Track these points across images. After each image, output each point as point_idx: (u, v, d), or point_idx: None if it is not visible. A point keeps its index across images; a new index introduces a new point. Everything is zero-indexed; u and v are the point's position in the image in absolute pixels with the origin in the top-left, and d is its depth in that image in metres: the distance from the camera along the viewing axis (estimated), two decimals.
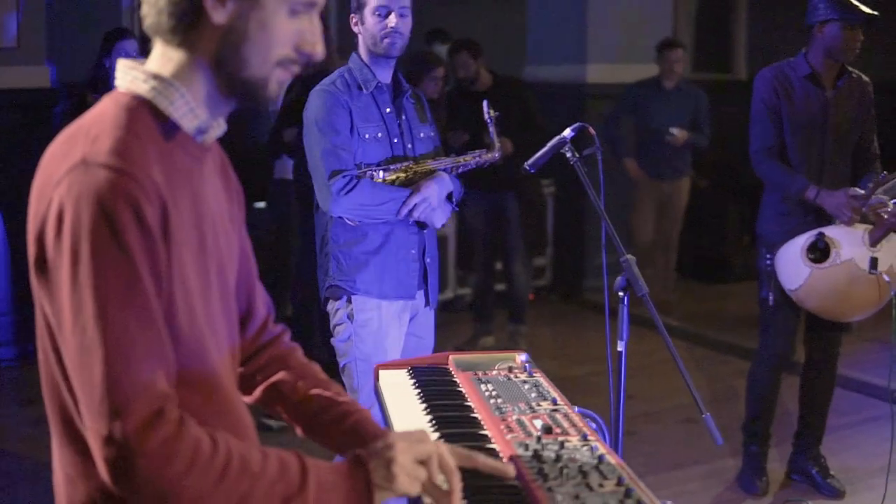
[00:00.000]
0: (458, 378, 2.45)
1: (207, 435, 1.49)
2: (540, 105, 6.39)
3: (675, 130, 7.00)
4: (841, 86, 4.32)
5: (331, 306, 3.54)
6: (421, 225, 3.55)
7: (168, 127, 1.54)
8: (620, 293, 3.29)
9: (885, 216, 4.05)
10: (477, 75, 6.34)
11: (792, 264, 4.21)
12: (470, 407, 2.26)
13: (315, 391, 1.88)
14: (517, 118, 6.20)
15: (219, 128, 1.63)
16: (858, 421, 5.44)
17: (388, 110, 3.51)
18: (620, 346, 3.30)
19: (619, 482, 1.79)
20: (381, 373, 2.55)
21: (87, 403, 1.43)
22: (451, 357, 2.59)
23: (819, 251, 4.15)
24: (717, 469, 4.75)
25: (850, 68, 4.36)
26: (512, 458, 1.91)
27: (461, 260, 7.55)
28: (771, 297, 4.38)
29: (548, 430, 2.05)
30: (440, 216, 3.53)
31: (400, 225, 3.50)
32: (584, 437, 2.01)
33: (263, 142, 6.21)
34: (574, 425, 2.09)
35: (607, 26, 7.74)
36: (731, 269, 8.34)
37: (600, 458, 1.90)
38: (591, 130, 3.42)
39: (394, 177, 3.46)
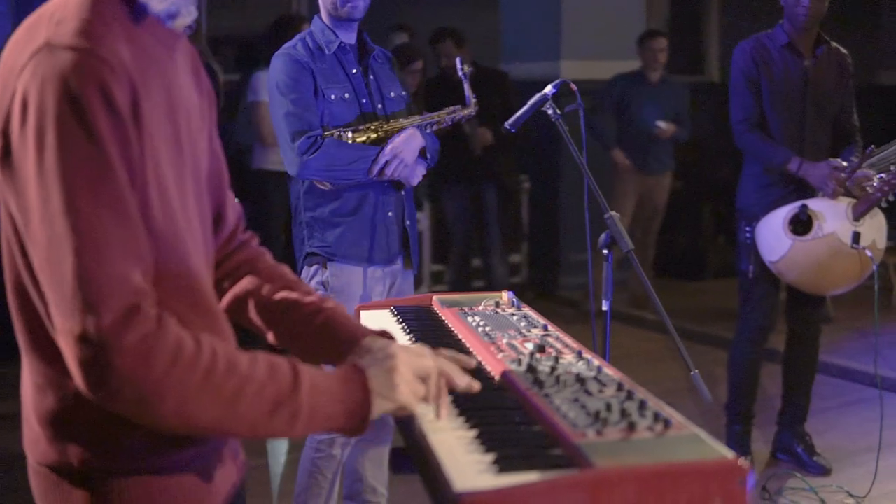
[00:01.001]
0: (444, 314, 2.36)
1: (189, 334, 1.38)
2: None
3: (662, 124, 6.96)
4: (819, 55, 4.28)
5: (305, 273, 3.43)
6: (398, 185, 3.44)
7: (136, 10, 1.45)
8: (605, 251, 3.22)
9: (870, 190, 4.00)
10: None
11: (773, 236, 4.15)
12: (457, 335, 2.17)
13: (283, 293, 1.77)
14: (498, 110, 6.15)
15: (189, 15, 1.53)
16: (842, 404, 5.40)
17: (354, 71, 3.41)
18: (605, 306, 3.24)
19: (619, 388, 1.70)
20: (363, 313, 2.45)
21: (57, 301, 1.32)
22: (434, 297, 2.49)
23: (801, 223, 4.10)
24: None
25: (828, 38, 4.33)
26: (504, 374, 1.81)
27: (437, 255, 7.46)
28: (751, 270, 4.32)
29: (541, 348, 1.95)
30: (415, 173, 3.42)
31: (375, 186, 3.39)
32: (580, 354, 1.91)
33: (241, 140, 6.15)
34: (567, 346, 1.99)
35: (581, 24, 7.71)
36: (706, 267, 8.32)
37: (598, 369, 1.81)
38: (573, 86, 3.35)
39: (364, 136, 3.35)
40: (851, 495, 4.14)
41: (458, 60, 3.69)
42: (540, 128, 7.15)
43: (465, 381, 1.66)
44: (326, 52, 3.36)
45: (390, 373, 1.54)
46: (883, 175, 3.96)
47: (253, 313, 1.76)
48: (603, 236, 3.21)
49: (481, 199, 6.60)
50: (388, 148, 3.31)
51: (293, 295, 1.77)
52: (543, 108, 3.30)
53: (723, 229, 8.53)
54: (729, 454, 1.42)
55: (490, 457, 1.49)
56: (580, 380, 1.73)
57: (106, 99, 1.32)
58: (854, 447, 4.68)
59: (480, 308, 2.36)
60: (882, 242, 4.11)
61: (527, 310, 2.32)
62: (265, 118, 5.87)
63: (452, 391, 1.67)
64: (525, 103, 3.26)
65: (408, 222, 3.50)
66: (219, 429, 1.41)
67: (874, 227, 4.09)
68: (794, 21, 4.20)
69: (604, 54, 7.59)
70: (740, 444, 4.49)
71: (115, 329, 1.30)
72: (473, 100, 3.63)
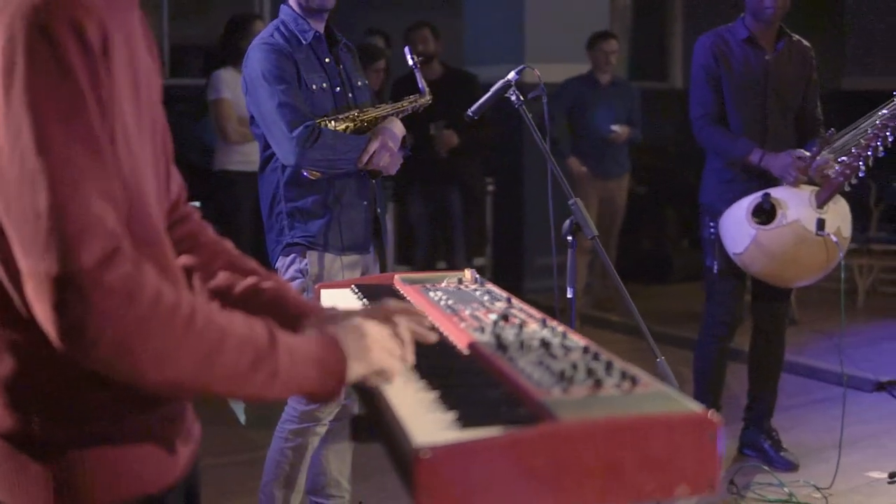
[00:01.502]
0: (405, 291, 2.30)
1: (166, 283, 1.31)
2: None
3: (616, 127, 6.91)
4: (781, 48, 4.27)
5: (281, 262, 3.37)
6: (372, 175, 3.41)
7: None
8: (569, 237, 3.18)
9: (832, 175, 3.99)
10: (435, 55, 6.29)
11: (737, 227, 4.13)
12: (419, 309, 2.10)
13: (228, 268, 1.71)
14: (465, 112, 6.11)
15: None
16: (809, 402, 5.40)
17: (327, 60, 3.38)
18: (570, 293, 3.21)
19: (586, 350, 1.65)
20: (324, 292, 2.40)
21: (28, 243, 1.23)
22: (396, 276, 2.44)
23: (765, 213, 4.07)
24: None
25: (790, 32, 4.32)
26: (467, 342, 1.76)
27: (402, 257, 7.40)
28: (715, 266, 4.29)
29: (504, 318, 1.90)
30: (395, 163, 3.40)
31: (353, 176, 3.37)
32: (544, 322, 1.86)
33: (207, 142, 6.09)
34: (531, 316, 1.95)
35: (544, 28, 7.70)
36: (671, 271, 8.32)
37: (563, 335, 1.76)
38: (537, 72, 3.33)
39: (343, 126, 3.32)
40: (818, 489, 4.11)
41: (407, 50, 3.66)
42: (506, 132, 7.15)
43: (428, 333, 1.65)
44: (302, 41, 3.32)
45: (361, 336, 1.50)
46: (844, 158, 3.94)
47: (198, 288, 1.70)
48: (567, 222, 3.18)
49: (446, 202, 6.56)
50: (378, 138, 3.28)
51: (239, 270, 1.72)
52: (506, 95, 3.28)
53: (687, 233, 8.54)
54: (698, 408, 1.37)
55: (452, 415, 1.44)
56: (545, 344, 1.69)
57: (77, 33, 1.26)
58: (820, 444, 4.67)
59: (443, 285, 2.31)
60: (847, 230, 4.09)
61: (490, 286, 2.27)
62: (226, 116, 5.81)
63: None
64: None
65: (378, 210, 3.48)
66: (197, 383, 1.33)
67: (838, 215, 4.08)
68: (758, 15, 4.19)
69: (567, 58, 7.57)
70: None
71: (96, 269, 1.22)
72: (427, 88, 3.60)
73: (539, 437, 1.30)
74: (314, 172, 3.28)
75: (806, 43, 4.36)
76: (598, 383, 1.46)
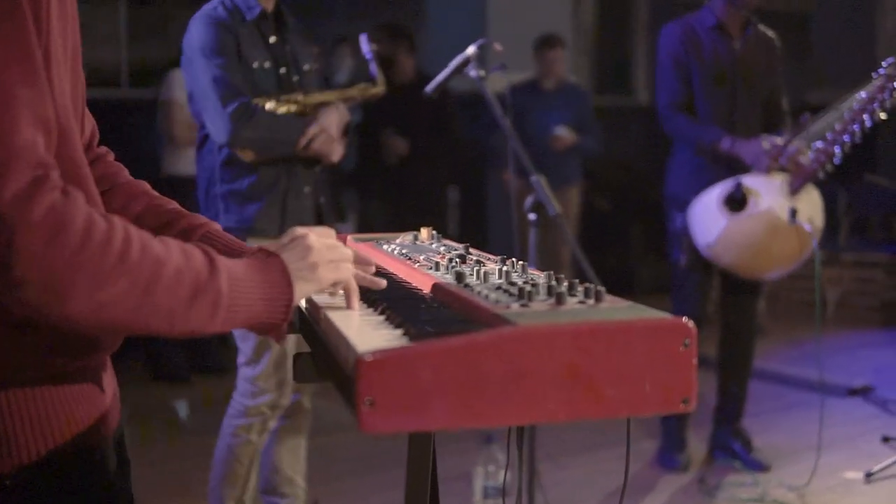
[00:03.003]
0: (357, 247, 2.16)
1: (97, 211, 1.18)
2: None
3: (559, 130, 6.44)
4: (748, 35, 4.20)
5: None
6: (314, 161, 3.27)
7: None
8: (531, 215, 3.07)
9: (806, 162, 3.89)
10: (406, 63, 6.17)
11: (707, 216, 4.02)
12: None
13: (152, 209, 1.58)
14: (430, 119, 6.01)
15: None
16: (780, 406, 5.30)
17: (272, 40, 3.25)
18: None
19: (548, 277, 1.52)
20: None
21: None
22: (349, 237, 2.30)
23: (736, 201, 3.97)
24: (634, 451, 4.50)
25: (756, 20, 4.25)
26: (425, 282, 1.62)
27: None
28: (683, 259, 4.18)
29: (461, 258, 1.77)
30: (338, 149, 3.26)
31: (294, 161, 3.24)
32: (503, 260, 1.73)
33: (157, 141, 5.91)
34: (490, 259, 1.81)
35: (507, 40, 7.61)
36: (637, 284, 8.23)
37: (524, 268, 1.63)
38: (497, 46, 3.22)
39: (285, 108, 3.19)
40: (793, 488, 3.99)
41: (362, 38, 3.52)
42: (468, 143, 7.04)
43: (370, 268, 1.56)
44: (247, 17, 3.19)
45: (306, 252, 1.38)
46: (819, 143, 3.85)
47: None
48: (529, 199, 3.07)
49: (408, 210, 6.45)
50: (318, 122, 3.16)
51: (162, 212, 1.60)
52: (465, 71, 3.17)
53: (653, 247, 8.46)
54: (670, 316, 1.24)
55: (400, 331, 1.30)
56: (504, 274, 1.56)
57: None
58: (793, 447, 4.55)
59: (398, 241, 2.17)
60: (819, 220, 3.99)
61: (448, 241, 2.14)
62: (173, 118, 5.64)
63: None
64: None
65: (322, 199, 3.34)
66: (134, 321, 1.19)
67: (811, 203, 3.99)
68: (733, 1, 4.10)
69: (529, 69, 7.49)
70: (675, 437, 4.33)
71: (20, 200, 1.09)
72: (381, 78, 3.46)
73: (495, 339, 1.17)
74: (247, 153, 3.14)
75: (770, 32, 4.29)
76: (559, 298, 1.33)
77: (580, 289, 1.42)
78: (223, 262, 1.28)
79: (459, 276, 1.53)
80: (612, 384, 1.20)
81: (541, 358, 1.18)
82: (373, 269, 1.58)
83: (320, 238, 1.42)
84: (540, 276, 1.55)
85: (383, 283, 1.54)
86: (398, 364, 1.14)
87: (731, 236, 3.95)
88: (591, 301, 1.34)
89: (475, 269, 1.59)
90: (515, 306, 1.31)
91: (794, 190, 3.90)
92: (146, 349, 5.87)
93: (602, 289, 1.36)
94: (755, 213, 3.90)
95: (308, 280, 1.37)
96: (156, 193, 1.63)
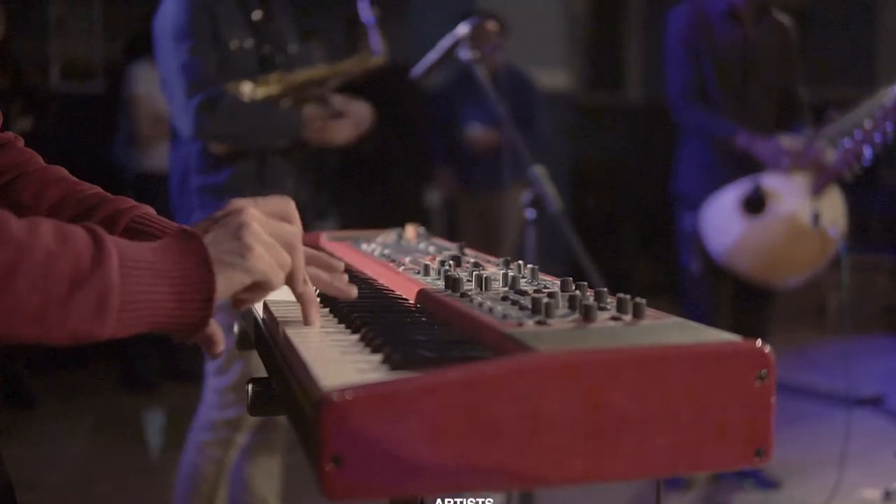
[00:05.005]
0: (332, 247, 1.85)
1: None
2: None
3: (474, 128, 5.63)
4: (762, 23, 3.89)
5: None
6: (297, 153, 2.98)
7: None
8: (529, 212, 2.76)
9: (831, 162, 3.59)
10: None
11: (723, 218, 3.70)
12: (349, 263, 1.65)
13: (65, 201, 1.30)
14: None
15: None
16: (790, 418, 4.99)
17: (256, 15, 2.92)
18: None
19: (565, 286, 1.21)
20: None
21: None
22: (322, 235, 1.98)
23: (754, 203, 3.66)
24: None
25: (771, 7, 3.94)
26: (410, 289, 1.31)
27: None
28: (694, 264, 3.86)
29: (456, 260, 1.46)
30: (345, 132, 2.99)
31: (276, 153, 2.94)
32: (507, 262, 1.42)
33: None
34: (490, 261, 1.50)
35: None
36: (631, 284, 7.94)
37: (533, 271, 1.32)
38: (491, 25, 2.91)
39: (265, 91, 2.87)
40: None
41: (361, 4, 3.16)
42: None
43: (340, 274, 1.19)
44: None
45: (238, 230, 1.04)
46: (847, 142, 3.54)
47: None
48: (525, 194, 2.77)
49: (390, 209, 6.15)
50: (349, 112, 2.98)
51: (84, 196, 1.31)
52: (455, 53, 2.86)
53: (647, 250, 8.19)
54: (737, 338, 0.93)
55: (379, 357, 0.98)
56: (510, 279, 1.24)
57: None
58: (803, 462, 4.26)
59: (379, 239, 1.86)
60: (843, 223, 3.69)
61: (438, 240, 1.83)
62: (138, 115, 5.34)
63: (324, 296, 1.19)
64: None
65: (302, 193, 3.02)
66: None
67: (833, 205, 3.69)
68: None
69: (520, 63, 7.21)
70: None
71: None
72: (383, 47, 3.11)
73: (508, 372, 0.85)
74: (218, 146, 2.83)
75: (786, 19, 3.98)
76: (587, 313, 1.02)
77: (610, 300, 1.11)
78: (118, 246, 0.97)
79: (454, 283, 1.22)
80: (663, 432, 0.89)
81: (568, 397, 0.86)
82: (342, 274, 1.25)
83: (264, 213, 1.08)
84: (555, 283, 1.24)
85: (354, 291, 1.22)
86: (376, 406, 0.83)
87: (748, 241, 3.63)
88: (628, 317, 1.03)
89: (473, 273, 1.28)
90: (530, 324, 1.00)
91: (817, 191, 3.59)
92: (115, 355, 5.54)
93: (642, 301, 1.04)
94: (776, 216, 3.59)
95: (235, 267, 1.02)
96: (75, 179, 1.34)
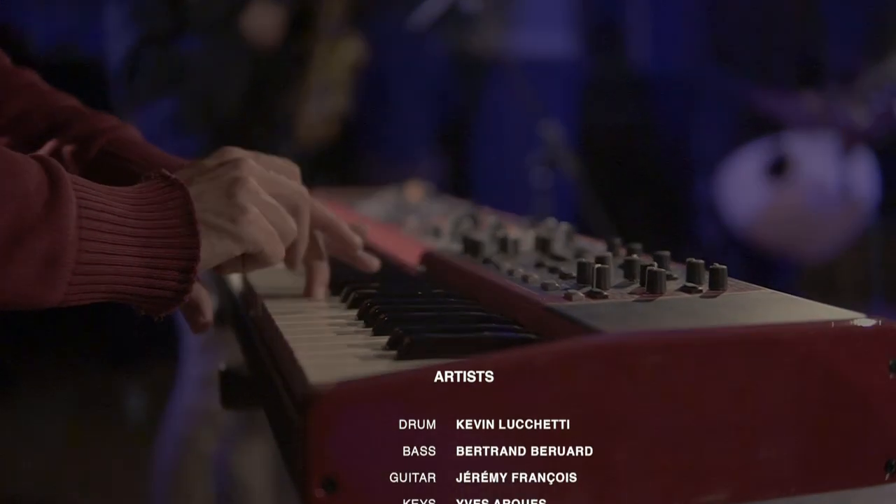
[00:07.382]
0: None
1: None
2: None
3: None
4: None
5: None
6: None
7: None
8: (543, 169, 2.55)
9: (860, 123, 3.37)
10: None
11: (743, 186, 3.47)
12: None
13: (36, 108, 1.03)
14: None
15: None
16: None
17: None
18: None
19: (611, 247, 0.98)
20: None
21: None
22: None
23: (778, 169, 3.43)
24: None
25: None
26: (420, 254, 1.07)
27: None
28: (712, 236, 3.65)
29: (473, 220, 1.22)
30: None
31: None
32: (534, 222, 1.19)
33: None
34: (518, 221, 1.27)
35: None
36: None
37: (569, 233, 1.08)
38: None
39: None
40: None
41: None
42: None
43: (353, 237, 0.94)
44: None
45: (232, 185, 0.80)
46: (878, 97, 3.32)
47: None
48: (537, 154, 2.55)
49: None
50: None
51: (55, 109, 1.03)
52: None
53: (652, 223, 7.99)
54: (863, 316, 0.69)
55: (383, 340, 0.75)
56: (543, 243, 1.01)
57: None
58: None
59: (375, 197, 1.63)
60: (870, 187, 3.47)
61: (450, 199, 1.60)
62: None
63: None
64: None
65: None
66: None
67: (861, 170, 3.47)
68: None
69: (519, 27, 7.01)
70: None
71: None
72: None
73: (560, 360, 0.62)
74: None
75: None
76: (653, 282, 0.78)
77: (673, 267, 0.87)
78: (80, 189, 0.73)
79: (474, 247, 0.99)
80: (767, 441, 0.66)
81: (644, 394, 0.63)
82: (360, 242, 0.98)
83: (263, 168, 0.84)
84: (598, 245, 1.01)
85: (376, 263, 0.98)
86: (382, 407, 0.59)
87: (772, 210, 3.41)
88: (704, 287, 0.79)
89: (495, 234, 1.04)
90: (580, 296, 0.76)
91: (845, 154, 3.37)
92: (102, 331, 5.33)
93: (721, 266, 0.80)
94: (802, 181, 3.36)
95: (224, 233, 0.78)
96: (48, 87, 1.07)
